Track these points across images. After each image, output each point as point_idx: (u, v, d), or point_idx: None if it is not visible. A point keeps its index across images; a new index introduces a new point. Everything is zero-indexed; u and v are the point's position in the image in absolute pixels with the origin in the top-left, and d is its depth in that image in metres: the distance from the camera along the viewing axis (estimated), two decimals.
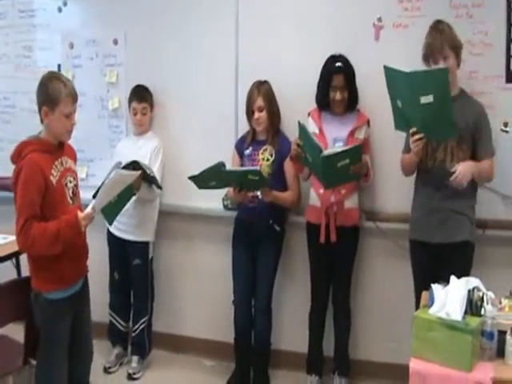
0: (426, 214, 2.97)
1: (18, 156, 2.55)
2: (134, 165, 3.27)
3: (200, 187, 3.27)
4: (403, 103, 2.75)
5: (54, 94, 2.55)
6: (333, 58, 3.23)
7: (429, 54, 2.87)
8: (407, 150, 2.96)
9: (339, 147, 3.05)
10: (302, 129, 3.01)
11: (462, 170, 2.76)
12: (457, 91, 2.90)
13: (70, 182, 2.67)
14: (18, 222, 2.47)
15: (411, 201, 3.11)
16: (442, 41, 2.82)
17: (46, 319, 2.62)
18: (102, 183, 2.93)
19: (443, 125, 2.69)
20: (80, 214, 2.57)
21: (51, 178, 2.54)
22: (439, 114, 2.67)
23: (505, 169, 3.01)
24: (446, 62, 2.80)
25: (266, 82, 3.42)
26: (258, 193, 3.27)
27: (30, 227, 2.45)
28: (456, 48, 2.85)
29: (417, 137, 2.78)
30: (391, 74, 2.74)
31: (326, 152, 2.89)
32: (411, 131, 2.80)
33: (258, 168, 3.20)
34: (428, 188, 2.96)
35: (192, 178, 3.18)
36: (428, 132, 2.75)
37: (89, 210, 2.62)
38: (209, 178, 3.16)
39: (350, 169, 2.97)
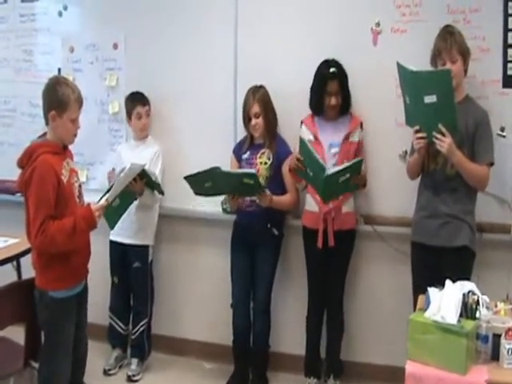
0: (425, 217, 2.97)
1: (28, 158, 2.57)
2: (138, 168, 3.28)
3: (196, 191, 3.29)
4: (410, 100, 2.77)
5: (63, 99, 2.58)
6: (326, 63, 3.25)
7: (437, 56, 2.87)
8: (413, 151, 2.97)
9: (342, 164, 3.04)
10: (304, 144, 3.02)
11: (450, 143, 2.70)
12: (462, 97, 2.90)
13: (76, 182, 2.73)
14: (34, 221, 2.51)
15: (406, 204, 3.13)
16: (451, 43, 2.82)
17: (52, 319, 2.64)
18: (108, 190, 2.95)
19: (445, 126, 2.69)
20: (93, 207, 2.65)
21: (62, 177, 2.58)
22: (442, 115, 2.68)
23: (501, 173, 3.02)
24: (454, 65, 2.80)
25: (261, 86, 3.42)
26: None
27: (48, 226, 2.50)
28: (464, 54, 2.85)
29: (419, 135, 2.79)
30: (401, 71, 2.75)
31: (329, 171, 2.91)
32: (414, 129, 2.81)
33: (253, 170, 3.20)
34: (428, 191, 2.97)
35: (187, 177, 3.21)
36: (430, 132, 2.74)
37: (102, 201, 2.72)
38: (204, 179, 3.18)
39: (351, 181, 3.02)
